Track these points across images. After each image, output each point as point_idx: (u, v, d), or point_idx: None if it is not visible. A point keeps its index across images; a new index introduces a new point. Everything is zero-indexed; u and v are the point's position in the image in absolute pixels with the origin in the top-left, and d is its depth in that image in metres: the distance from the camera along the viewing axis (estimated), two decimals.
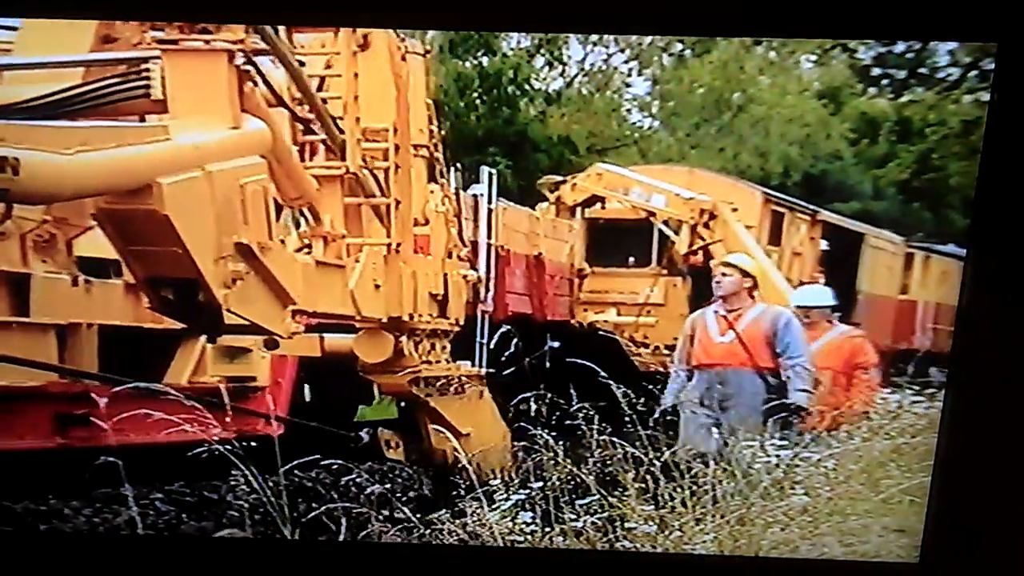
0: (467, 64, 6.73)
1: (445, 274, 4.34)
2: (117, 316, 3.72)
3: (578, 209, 6.36)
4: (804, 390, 4.00)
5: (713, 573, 3.19)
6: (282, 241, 3.47)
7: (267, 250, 3.14)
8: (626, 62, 7.24)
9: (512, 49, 6.78)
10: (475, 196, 5.16)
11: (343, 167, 3.64)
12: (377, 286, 3.85)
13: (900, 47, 6.62)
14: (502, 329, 4.75)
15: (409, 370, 4.10)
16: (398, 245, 3.92)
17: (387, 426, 4.52)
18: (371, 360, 4.00)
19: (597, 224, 6.41)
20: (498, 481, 3.52)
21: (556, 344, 5.36)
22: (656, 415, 3.84)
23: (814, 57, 7.19)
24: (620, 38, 6.87)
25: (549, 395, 3.75)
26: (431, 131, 4.21)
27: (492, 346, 4.79)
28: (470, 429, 4.30)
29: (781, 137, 7.07)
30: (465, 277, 4.53)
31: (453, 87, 6.60)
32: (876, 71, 7.16)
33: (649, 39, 6.97)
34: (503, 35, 6.46)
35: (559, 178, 6.35)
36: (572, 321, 6.11)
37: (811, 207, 6.58)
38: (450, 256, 4.44)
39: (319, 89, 3.62)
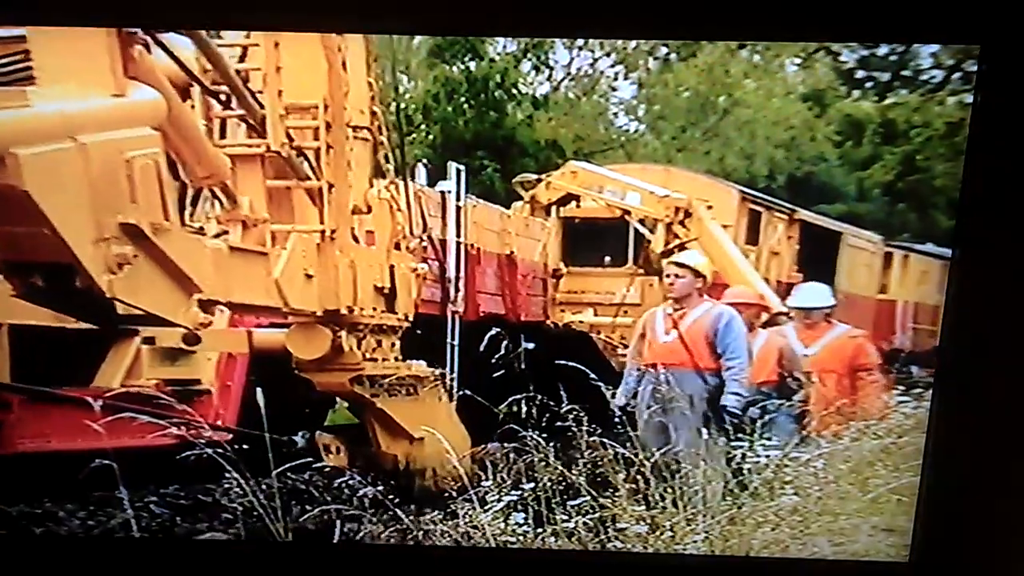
0: (454, 69, 6.31)
1: (392, 266, 3.84)
2: (32, 315, 3.22)
3: (553, 208, 5.86)
4: (736, 394, 3.72)
5: (704, 573, 3.11)
6: (201, 228, 3.01)
7: (162, 232, 2.65)
8: (612, 66, 6.81)
9: (499, 54, 6.34)
10: (442, 193, 4.70)
11: (263, 145, 3.16)
12: (309, 276, 3.37)
13: (884, 50, 6.18)
14: (492, 332, 4.27)
15: (350, 368, 3.63)
16: (332, 232, 3.43)
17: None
18: (305, 356, 3.54)
19: (572, 223, 5.91)
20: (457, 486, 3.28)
21: (531, 345, 4.90)
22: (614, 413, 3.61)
23: (798, 60, 6.75)
24: (606, 42, 6.44)
25: (540, 397, 3.43)
26: (374, 112, 3.71)
27: (482, 348, 4.28)
28: (423, 433, 3.83)
29: (767, 140, 6.64)
30: (415, 270, 4.02)
31: (441, 91, 6.18)
32: (860, 73, 6.73)
33: (634, 43, 6.53)
34: (490, 40, 6.04)
35: (534, 176, 5.87)
36: (548, 322, 5.63)
37: (788, 206, 6.09)
38: (397, 247, 3.94)
39: (241, 60, 3.13)
